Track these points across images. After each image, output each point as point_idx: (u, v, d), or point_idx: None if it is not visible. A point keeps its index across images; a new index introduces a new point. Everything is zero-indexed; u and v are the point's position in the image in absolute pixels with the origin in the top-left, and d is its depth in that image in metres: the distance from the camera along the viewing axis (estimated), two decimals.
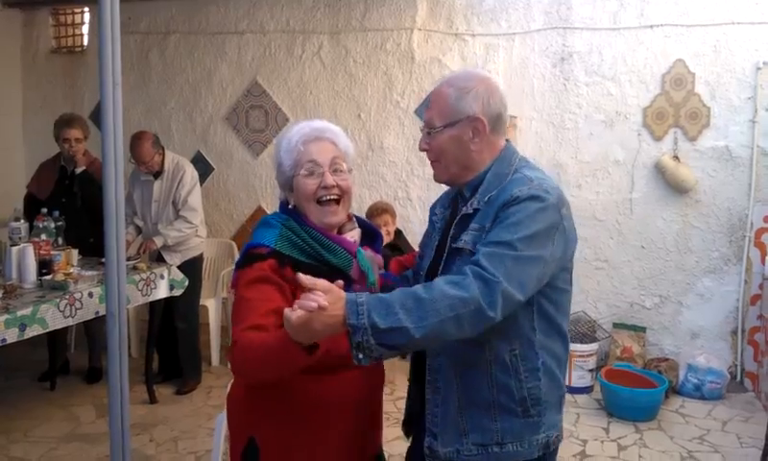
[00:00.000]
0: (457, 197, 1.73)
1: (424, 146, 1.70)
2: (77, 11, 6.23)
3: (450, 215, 1.73)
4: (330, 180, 1.66)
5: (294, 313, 1.33)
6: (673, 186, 4.70)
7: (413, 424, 1.79)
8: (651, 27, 4.74)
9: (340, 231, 1.72)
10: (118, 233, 2.41)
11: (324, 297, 1.35)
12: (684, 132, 4.70)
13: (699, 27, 4.64)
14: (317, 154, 1.68)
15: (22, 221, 3.88)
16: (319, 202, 1.67)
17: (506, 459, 1.57)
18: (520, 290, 1.46)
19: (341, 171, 1.70)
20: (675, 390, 4.45)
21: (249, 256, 1.62)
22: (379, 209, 4.42)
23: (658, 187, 4.78)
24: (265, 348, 1.45)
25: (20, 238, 3.82)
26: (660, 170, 4.72)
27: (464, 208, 1.64)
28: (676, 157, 4.69)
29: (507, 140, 1.72)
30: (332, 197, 1.67)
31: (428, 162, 1.73)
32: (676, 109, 4.70)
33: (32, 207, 4.36)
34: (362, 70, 5.36)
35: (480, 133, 1.63)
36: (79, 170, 4.44)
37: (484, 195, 1.60)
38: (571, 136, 4.95)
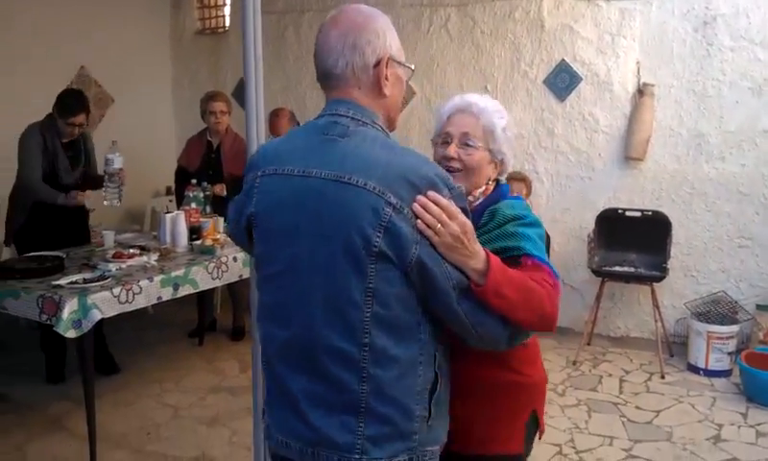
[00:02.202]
0: None
1: None
2: None
3: None
4: (450, 152, 1.69)
5: None
6: None
7: None
8: None
9: None
10: None
11: None
12: None
13: None
14: (452, 126, 1.72)
15: (117, 154, 3.94)
16: None
17: None
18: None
19: (469, 146, 1.69)
20: None
21: None
22: (515, 178, 4.56)
23: None
24: None
25: (114, 169, 3.92)
26: None
27: None
28: None
29: (331, 99, 1.46)
30: (451, 167, 1.68)
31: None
32: None
33: (182, 179, 4.75)
34: (489, 41, 5.32)
35: None
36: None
37: None
38: (714, 105, 4.65)
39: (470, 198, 1.69)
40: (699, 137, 4.70)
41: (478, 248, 1.38)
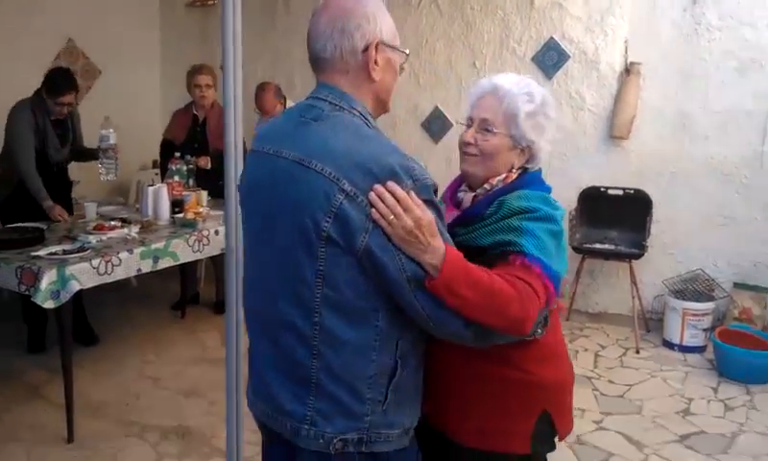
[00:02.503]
0: None
1: None
2: None
3: None
4: (466, 137, 1.66)
5: None
6: None
7: None
8: None
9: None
10: (237, 174, 2.61)
11: None
12: None
13: None
14: (475, 110, 1.68)
15: (111, 130, 4.01)
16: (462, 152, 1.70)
17: None
18: None
19: (488, 131, 1.64)
20: None
21: None
22: None
23: None
24: None
25: (108, 144, 3.98)
26: None
27: None
28: None
29: (318, 83, 1.49)
30: (468, 152, 1.66)
31: None
32: None
33: (167, 152, 4.77)
34: (479, 17, 5.30)
35: None
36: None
37: None
38: (700, 85, 4.65)
39: (486, 185, 1.65)
40: (684, 117, 4.71)
41: (437, 243, 1.34)
